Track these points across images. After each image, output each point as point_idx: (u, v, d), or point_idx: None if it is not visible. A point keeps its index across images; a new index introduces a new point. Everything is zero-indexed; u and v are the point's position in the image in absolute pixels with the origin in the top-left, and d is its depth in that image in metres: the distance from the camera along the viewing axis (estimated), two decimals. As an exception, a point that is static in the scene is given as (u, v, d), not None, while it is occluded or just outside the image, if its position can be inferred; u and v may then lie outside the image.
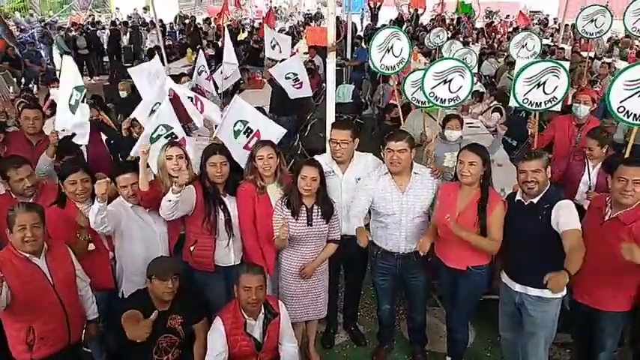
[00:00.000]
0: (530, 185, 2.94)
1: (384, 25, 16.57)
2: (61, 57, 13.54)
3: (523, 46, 7.07)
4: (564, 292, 3.02)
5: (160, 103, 3.95)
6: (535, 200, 2.98)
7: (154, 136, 3.74)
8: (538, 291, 2.99)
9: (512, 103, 4.62)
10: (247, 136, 4.00)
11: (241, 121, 4.01)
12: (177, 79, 7.02)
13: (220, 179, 3.33)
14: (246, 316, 3.02)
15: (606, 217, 3.00)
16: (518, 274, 3.11)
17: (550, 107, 4.30)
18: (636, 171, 2.86)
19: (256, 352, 3.06)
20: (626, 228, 2.87)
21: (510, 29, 18.13)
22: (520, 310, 3.17)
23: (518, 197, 3.09)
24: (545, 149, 4.77)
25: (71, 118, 3.96)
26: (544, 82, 4.18)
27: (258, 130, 4.00)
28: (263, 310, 3.07)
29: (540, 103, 4.25)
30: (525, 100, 4.25)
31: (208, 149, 3.39)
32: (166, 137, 3.75)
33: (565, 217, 2.86)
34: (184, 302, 3.10)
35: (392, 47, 4.44)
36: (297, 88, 6.54)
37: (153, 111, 4.00)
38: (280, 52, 7.92)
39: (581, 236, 2.83)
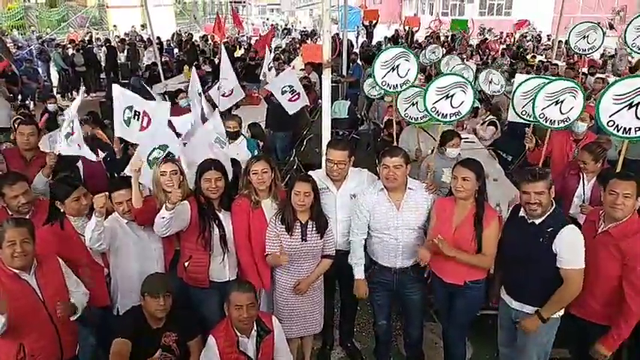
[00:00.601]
0: (533, 207, 2.90)
1: (389, 42, 16.82)
2: (59, 74, 13.66)
3: (584, 37, 6.77)
4: (561, 313, 3.02)
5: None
6: (538, 221, 2.94)
7: (151, 158, 3.74)
8: (534, 309, 3.00)
9: (513, 117, 4.73)
10: (138, 119, 4.02)
11: (127, 107, 4.03)
12: (174, 95, 7.09)
13: (215, 195, 3.32)
14: (238, 334, 2.99)
15: (599, 230, 3.05)
16: (515, 291, 3.11)
17: (561, 127, 4.32)
18: (627, 185, 2.91)
19: None
20: (615, 244, 2.92)
21: (504, 46, 18.38)
22: (516, 326, 3.17)
23: (521, 214, 3.04)
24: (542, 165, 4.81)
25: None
26: (562, 101, 4.18)
27: (144, 111, 4.02)
28: (255, 328, 3.05)
29: (555, 121, 4.23)
30: (542, 115, 4.23)
31: (204, 164, 3.38)
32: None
33: (570, 253, 2.84)
34: (179, 319, 3.07)
35: (398, 67, 4.37)
36: (295, 100, 6.54)
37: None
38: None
39: (582, 276, 2.85)
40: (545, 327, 3.01)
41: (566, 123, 4.24)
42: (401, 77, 4.39)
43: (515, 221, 3.10)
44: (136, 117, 4.01)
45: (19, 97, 11.80)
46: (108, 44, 16.71)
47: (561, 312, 3.02)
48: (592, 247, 2.95)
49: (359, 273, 3.45)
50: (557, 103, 4.18)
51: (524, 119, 4.73)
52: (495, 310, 3.98)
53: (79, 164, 4.22)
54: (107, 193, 3.16)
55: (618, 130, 3.61)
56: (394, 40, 18.38)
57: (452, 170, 3.25)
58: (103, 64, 15.54)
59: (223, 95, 6.32)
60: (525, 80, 4.70)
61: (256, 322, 3.05)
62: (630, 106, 3.51)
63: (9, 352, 2.68)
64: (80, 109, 4.23)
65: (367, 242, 3.51)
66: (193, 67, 6.96)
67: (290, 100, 6.53)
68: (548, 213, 2.92)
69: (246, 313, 2.91)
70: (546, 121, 4.24)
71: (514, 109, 4.76)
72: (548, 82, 4.23)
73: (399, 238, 3.34)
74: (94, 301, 3.14)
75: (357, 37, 18.80)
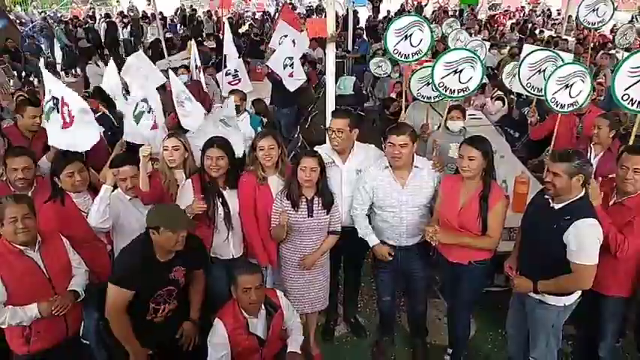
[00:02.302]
0: (547, 187, 2.80)
1: (403, 13, 16.56)
2: (62, 50, 13.59)
3: (594, 10, 6.64)
4: (568, 303, 2.91)
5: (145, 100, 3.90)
6: (557, 206, 2.79)
7: (136, 114, 3.70)
8: (539, 294, 2.93)
9: (518, 87, 4.66)
10: (57, 110, 3.59)
11: (52, 97, 3.64)
12: (176, 72, 7.01)
13: (216, 173, 3.29)
14: (247, 316, 2.95)
15: (611, 202, 3.04)
16: (525, 273, 3.02)
17: (571, 110, 4.29)
18: (638, 159, 2.89)
19: (260, 348, 3.02)
20: (630, 213, 2.92)
21: (514, 20, 18.05)
22: (524, 307, 3.13)
23: (546, 196, 2.89)
24: (544, 141, 4.77)
25: (135, 128, 3.88)
26: (572, 85, 4.16)
27: (62, 97, 3.61)
28: (264, 307, 3.02)
29: (565, 105, 4.22)
30: (553, 100, 4.22)
31: (207, 141, 3.35)
32: (149, 112, 3.73)
33: (578, 248, 2.67)
34: (188, 252, 2.93)
35: (411, 35, 4.23)
36: (292, 75, 6.46)
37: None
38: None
39: (591, 274, 2.70)
40: (555, 313, 2.94)
41: (574, 107, 4.23)
42: (413, 47, 4.26)
43: (538, 202, 2.97)
44: (56, 107, 3.61)
45: (23, 73, 11.75)
46: (108, 19, 16.49)
47: (573, 299, 2.90)
48: (602, 217, 2.88)
49: (373, 241, 3.40)
50: (567, 87, 4.15)
51: (528, 92, 4.69)
52: (499, 287, 4.00)
53: None
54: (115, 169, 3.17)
55: (633, 104, 3.55)
56: (400, 14, 18.06)
57: (459, 147, 3.18)
58: (103, 39, 15.39)
59: (229, 83, 6.27)
60: (532, 51, 4.64)
61: (264, 301, 3.02)
62: None
63: (16, 329, 2.71)
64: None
65: (371, 220, 3.49)
66: (193, 42, 6.88)
67: (290, 75, 6.45)
68: (570, 201, 2.74)
69: (254, 295, 2.87)
70: (557, 106, 4.23)
71: (519, 80, 4.70)
72: (559, 67, 4.19)
73: (404, 216, 3.31)
74: (97, 277, 3.15)
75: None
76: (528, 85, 4.57)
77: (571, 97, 4.16)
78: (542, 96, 4.38)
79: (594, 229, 2.68)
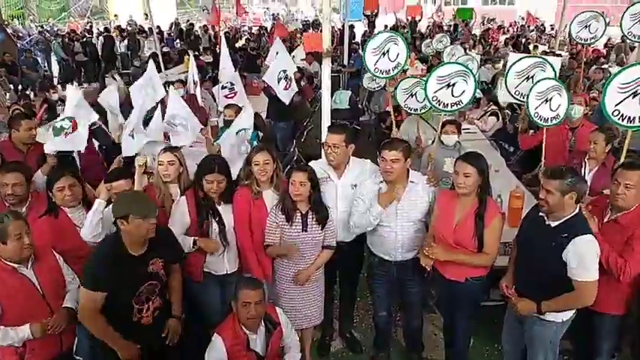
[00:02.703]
0: (541, 203, 2.80)
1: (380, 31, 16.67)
2: (59, 64, 13.65)
3: (586, 27, 6.64)
4: (565, 318, 2.91)
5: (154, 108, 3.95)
6: (553, 224, 2.78)
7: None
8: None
9: (506, 96, 4.82)
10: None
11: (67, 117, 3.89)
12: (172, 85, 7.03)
13: (216, 194, 3.30)
14: (247, 332, 2.92)
15: (605, 219, 3.02)
16: (521, 289, 3.01)
17: (555, 124, 4.35)
18: (631, 175, 2.88)
19: None
20: (625, 231, 2.89)
21: (507, 35, 18.23)
22: (521, 324, 3.11)
23: (541, 212, 2.87)
24: (534, 155, 4.80)
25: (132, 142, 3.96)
26: (550, 99, 4.24)
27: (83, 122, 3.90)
28: (263, 323, 2.99)
29: (548, 118, 4.30)
30: (536, 115, 4.31)
31: (207, 165, 3.31)
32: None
33: (579, 265, 2.66)
34: (160, 241, 2.84)
35: (388, 51, 4.34)
36: (288, 88, 6.52)
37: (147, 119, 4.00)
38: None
39: (592, 291, 2.70)
40: (553, 329, 2.92)
41: (557, 119, 4.31)
42: (392, 61, 4.34)
43: (533, 217, 2.95)
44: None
45: (19, 87, 11.76)
46: (105, 34, 16.58)
47: (569, 315, 2.90)
48: (601, 242, 2.86)
49: (377, 209, 3.26)
50: (546, 101, 4.26)
51: (516, 99, 4.76)
52: (495, 301, 3.98)
53: (75, 154, 4.19)
54: (109, 184, 3.16)
55: (623, 120, 3.58)
56: (395, 29, 18.23)
57: (454, 163, 3.18)
58: (100, 53, 15.44)
59: (225, 96, 6.30)
60: (518, 60, 4.70)
61: (264, 317, 2.99)
62: (635, 94, 3.48)
63: (10, 346, 2.67)
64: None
65: (367, 234, 3.49)
66: (192, 56, 6.93)
67: (285, 88, 6.51)
68: (566, 218, 2.73)
69: (254, 310, 2.84)
70: (541, 120, 4.33)
71: (507, 88, 4.77)
72: (536, 84, 4.32)
73: (399, 231, 3.31)
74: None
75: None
76: (516, 92, 4.64)
77: (552, 110, 4.26)
78: (548, 125, 4.45)
79: (592, 245, 2.68)
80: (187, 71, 8.83)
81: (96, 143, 4.52)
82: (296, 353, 3.16)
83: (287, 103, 6.61)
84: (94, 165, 4.19)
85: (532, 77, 4.67)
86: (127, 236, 2.70)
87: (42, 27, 20.35)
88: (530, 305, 2.88)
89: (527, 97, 4.33)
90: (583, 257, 2.66)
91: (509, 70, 4.72)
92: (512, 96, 4.74)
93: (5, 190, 3.20)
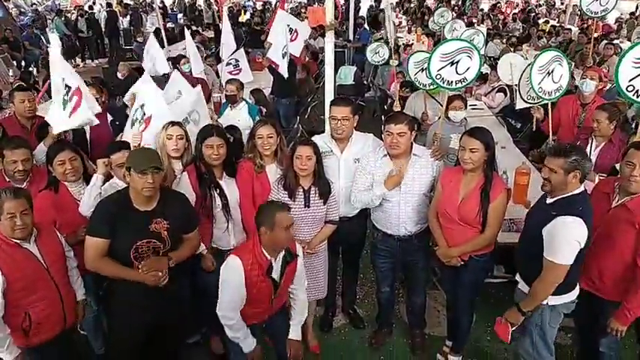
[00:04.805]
0: (544, 182, 2.72)
1: (398, 6, 16.33)
2: (61, 40, 13.51)
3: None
4: (553, 303, 2.79)
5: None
6: (550, 201, 2.72)
7: (134, 118, 3.65)
8: (526, 288, 2.86)
9: (521, 102, 4.85)
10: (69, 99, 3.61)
11: (65, 86, 3.62)
12: (176, 61, 6.97)
13: (217, 161, 3.26)
14: (270, 258, 2.81)
15: (614, 204, 2.87)
16: (521, 271, 2.98)
17: (558, 96, 4.31)
18: None
19: (273, 293, 2.91)
20: (633, 217, 2.73)
21: (516, 10, 17.89)
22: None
23: (543, 190, 2.78)
24: (543, 132, 4.74)
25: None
26: (552, 71, 4.15)
27: (78, 87, 3.59)
28: (283, 252, 2.90)
29: (551, 92, 4.24)
30: (540, 90, 4.22)
31: (205, 131, 3.31)
32: (140, 122, 3.60)
33: (551, 244, 2.59)
34: (172, 207, 2.82)
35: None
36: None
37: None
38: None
39: (557, 273, 2.60)
40: (538, 311, 2.82)
41: (560, 91, 4.25)
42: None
43: (540, 197, 2.88)
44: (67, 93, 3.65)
45: (23, 63, 11.69)
46: (108, 9, 16.39)
47: (558, 300, 2.79)
48: (606, 221, 2.82)
49: (381, 188, 3.24)
50: (549, 74, 4.18)
51: (530, 104, 4.74)
52: (498, 278, 3.98)
53: (86, 128, 4.15)
54: (108, 158, 3.15)
55: (638, 96, 3.48)
56: (400, 3, 17.95)
57: (460, 139, 3.12)
58: (103, 29, 15.29)
59: (230, 73, 6.22)
60: (541, 54, 4.51)
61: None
62: None
63: (15, 322, 2.69)
64: (83, 75, 4.13)
65: (370, 209, 3.46)
66: (187, 30, 6.83)
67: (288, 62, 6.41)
68: (562, 196, 2.64)
69: (291, 231, 2.78)
70: (545, 94, 4.25)
71: (521, 96, 4.77)
72: (537, 56, 4.26)
73: (402, 205, 3.29)
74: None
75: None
76: (540, 89, 4.44)
77: (554, 82, 4.18)
78: (552, 99, 4.40)
79: (570, 227, 2.55)
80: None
81: (109, 117, 4.48)
82: (300, 315, 3.12)
83: (285, 77, 6.49)
84: (104, 139, 4.13)
85: (552, 72, 4.38)
86: (132, 190, 2.74)
87: (37, 4, 20.07)
88: (515, 314, 2.84)
89: (530, 72, 4.22)
90: (554, 236, 2.57)
91: (520, 78, 4.70)
92: (526, 102, 4.79)
93: (15, 167, 3.20)
